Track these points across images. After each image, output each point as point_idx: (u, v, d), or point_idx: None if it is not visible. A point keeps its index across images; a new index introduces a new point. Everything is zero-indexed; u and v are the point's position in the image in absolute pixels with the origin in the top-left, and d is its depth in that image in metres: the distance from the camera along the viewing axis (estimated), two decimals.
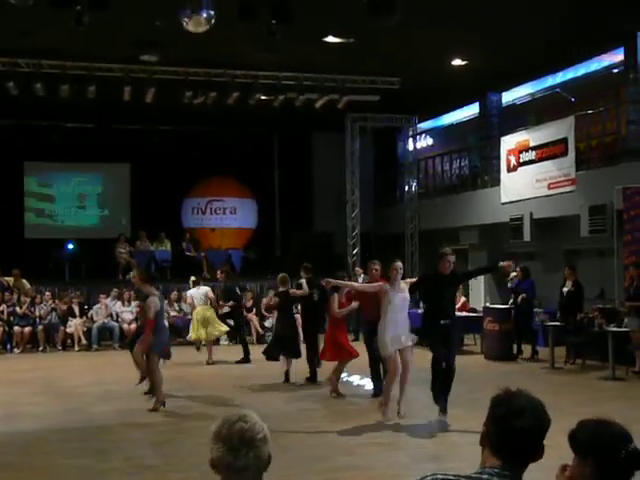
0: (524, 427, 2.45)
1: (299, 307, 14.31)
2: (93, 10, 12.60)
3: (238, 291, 17.08)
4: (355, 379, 13.17)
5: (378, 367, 11.62)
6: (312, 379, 13.05)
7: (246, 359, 15.69)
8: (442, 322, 9.75)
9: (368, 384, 12.27)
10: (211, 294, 16.20)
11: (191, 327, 16.20)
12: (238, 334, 17.10)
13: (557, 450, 2.75)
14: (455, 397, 9.85)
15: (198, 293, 16.21)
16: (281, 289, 13.61)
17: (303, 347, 13.20)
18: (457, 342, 11.49)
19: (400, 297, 9.86)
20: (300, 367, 13.02)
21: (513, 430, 2.46)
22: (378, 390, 11.39)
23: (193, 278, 17.20)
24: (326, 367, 12.57)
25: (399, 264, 10.03)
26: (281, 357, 13.11)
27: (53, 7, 12.42)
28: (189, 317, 19.23)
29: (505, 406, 2.50)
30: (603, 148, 17.31)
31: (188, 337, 16.54)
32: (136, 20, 14.15)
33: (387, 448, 8.58)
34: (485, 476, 2.44)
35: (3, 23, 14.26)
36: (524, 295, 15.89)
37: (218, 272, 17.03)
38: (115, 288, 19.27)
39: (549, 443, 2.51)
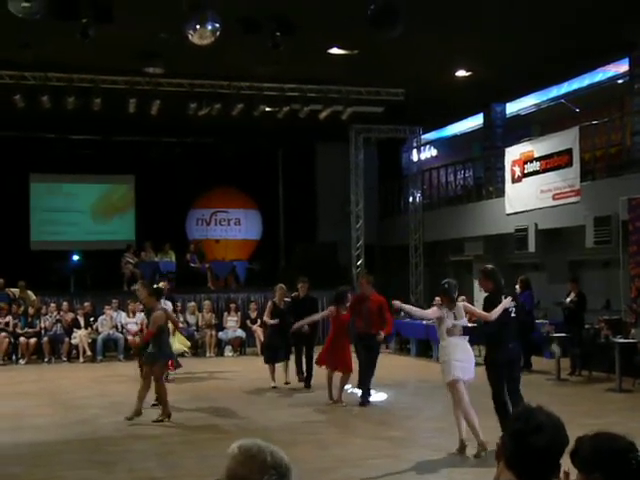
0: (540, 444, 2.42)
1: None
2: (98, 23, 12.69)
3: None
4: (349, 388, 13.24)
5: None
6: (307, 384, 13.84)
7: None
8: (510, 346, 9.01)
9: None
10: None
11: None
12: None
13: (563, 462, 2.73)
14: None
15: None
16: (274, 299, 14.36)
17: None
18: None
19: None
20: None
21: (529, 446, 2.43)
22: (365, 399, 11.89)
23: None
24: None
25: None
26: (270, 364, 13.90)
27: (59, 20, 12.49)
28: (193, 328, 19.33)
29: (523, 421, 2.48)
30: (608, 159, 17.28)
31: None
32: (141, 32, 14.21)
33: (393, 461, 8.54)
34: None
35: (10, 36, 14.31)
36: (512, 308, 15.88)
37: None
38: (114, 299, 19.16)
39: None
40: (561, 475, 2.50)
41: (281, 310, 14.19)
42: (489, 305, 9.33)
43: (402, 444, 9.20)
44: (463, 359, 8.90)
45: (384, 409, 11.71)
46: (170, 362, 11.86)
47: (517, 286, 16.04)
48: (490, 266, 9.75)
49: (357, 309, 12.22)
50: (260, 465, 2.27)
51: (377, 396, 12.45)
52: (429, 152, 25.53)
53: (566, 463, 2.57)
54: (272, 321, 14.09)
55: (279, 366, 13.90)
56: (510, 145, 19.68)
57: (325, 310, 13.78)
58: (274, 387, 13.70)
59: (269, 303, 14.64)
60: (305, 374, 13.96)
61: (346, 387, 12.60)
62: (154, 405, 11.36)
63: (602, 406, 11.66)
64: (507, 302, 9.15)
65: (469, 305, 9.51)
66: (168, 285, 16.43)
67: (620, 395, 12.73)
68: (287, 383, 13.85)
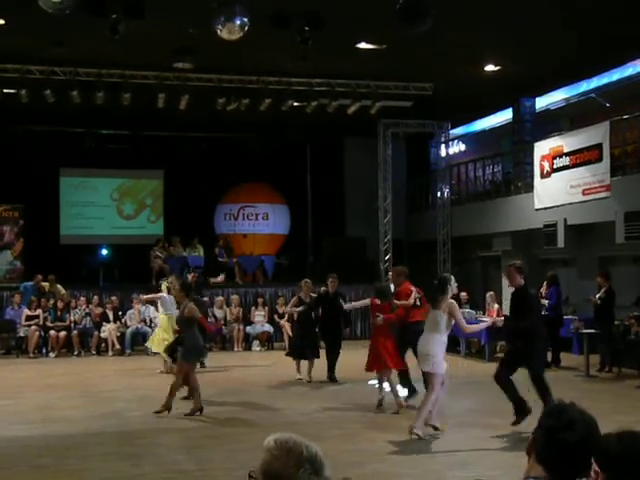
0: (570, 440, 2.42)
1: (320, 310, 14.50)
2: (128, 19, 12.77)
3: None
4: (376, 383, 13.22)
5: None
6: (332, 378, 13.82)
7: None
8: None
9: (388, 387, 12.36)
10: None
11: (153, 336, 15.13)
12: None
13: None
14: (490, 406, 9.78)
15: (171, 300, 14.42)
16: (301, 295, 14.38)
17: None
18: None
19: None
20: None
21: (560, 442, 2.43)
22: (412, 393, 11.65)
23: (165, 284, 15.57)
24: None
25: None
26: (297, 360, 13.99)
27: (89, 16, 12.58)
28: (222, 322, 19.42)
29: (555, 417, 2.48)
30: (639, 154, 17.10)
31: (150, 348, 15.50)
32: (170, 28, 14.27)
33: (419, 455, 8.55)
34: None
35: (40, 32, 14.46)
36: (546, 303, 15.91)
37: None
38: (142, 294, 19.18)
39: None
40: (592, 474, 2.48)
41: (307, 305, 14.22)
42: (517, 301, 9.41)
43: (429, 440, 9.17)
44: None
45: (413, 404, 11.68)
46: None
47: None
48: (519, 261, 9.78)
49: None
50: (296, 459, 2.27)
51: (404, 391, 12.41)
52: (457, 147, 25.39)
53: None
54: (298, 309, 14.20)
55: (305, 362, 13.95)
56: (539, 140, 19.53)
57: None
58: (299, 379, 13.81)
59: (294, 298, 14.71)
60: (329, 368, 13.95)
61: (372, 382, 12.56)
62: (185, 398, 11.44)
63: (632, 403, 11.56)
64: (490, 322, 9.59)
65: (456, 307, 9.48)
66: (195, 278, 16.56)
67: None
68: (309, 381, 13.79)
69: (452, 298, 9.57)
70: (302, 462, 2.27)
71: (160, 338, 14.43)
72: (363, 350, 12.23)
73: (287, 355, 14.52)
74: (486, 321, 11.29)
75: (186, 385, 11.31)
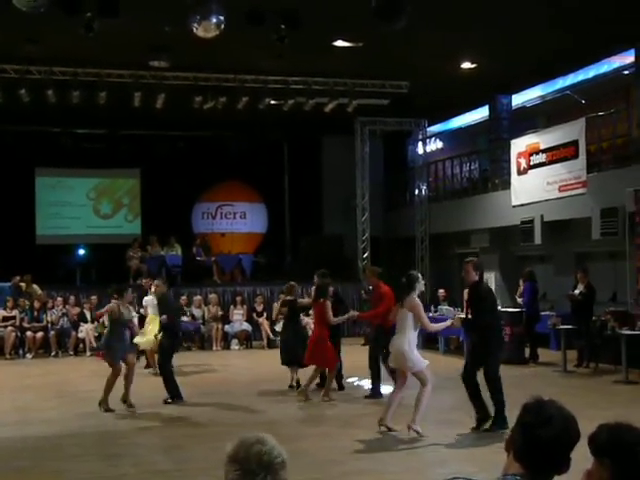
0: (549, 437, 2.43)
1: (310, 313, 14.31)
2: (103, 17, 12.67)
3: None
4: (355, 380, 13.36)
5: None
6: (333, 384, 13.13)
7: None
8: None
9: (368, 385, 12.41)
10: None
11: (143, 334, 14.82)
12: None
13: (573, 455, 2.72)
14: (469, 403, 9.79)
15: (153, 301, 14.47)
16: (289, 298, 13.50)
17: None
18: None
19: None
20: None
21: (538, 439, 2.43)
22: (376, 392, 11.85)
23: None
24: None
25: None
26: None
27: (64, 14, 12.47)
28: (200, 322, 19.36)
29: (533, 414, 2.48)
30: (614, 150, 17.23)
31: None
32: (146, 26, 14.19)
33: (398, 452, 8.57)
34: None
35: (14, 30, 14.32)
36: (520, 300, 16.23)
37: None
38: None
39: None
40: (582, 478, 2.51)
41: (299, 308, 13.60)
42: (472, 297, 9.68)
43: (410, 437, 9.19)
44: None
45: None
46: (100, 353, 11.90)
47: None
48: (476, 258, 10.04)
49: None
50: (231, 458, 2.34)
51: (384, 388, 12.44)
52: (435, 144, 25.46)
53: (574, 458, 2.57)
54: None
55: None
56: (516, 137, 19.63)
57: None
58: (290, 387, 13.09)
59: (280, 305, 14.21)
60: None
61: (351, 380, 12.59)
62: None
63: (609, 398, 11.65)
64: (448, 322, 9.81)
65: (418, 305, 9.49)
66: (150, 281, 16.18)
67: (627, 387, 12.72)
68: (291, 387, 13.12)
69: (420, 295, 9.63)
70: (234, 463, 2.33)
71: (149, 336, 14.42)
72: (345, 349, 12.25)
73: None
74: (450, 318, 11.41)
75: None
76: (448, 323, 10.30)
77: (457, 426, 9.60)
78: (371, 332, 12.70)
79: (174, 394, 11.79)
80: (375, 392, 12.00)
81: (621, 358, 13.14)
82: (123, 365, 11.47)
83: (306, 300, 13.70)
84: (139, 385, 12.06)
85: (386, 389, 11.59)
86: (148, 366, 14.95)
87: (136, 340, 14.00)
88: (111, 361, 11.46)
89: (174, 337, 12.45)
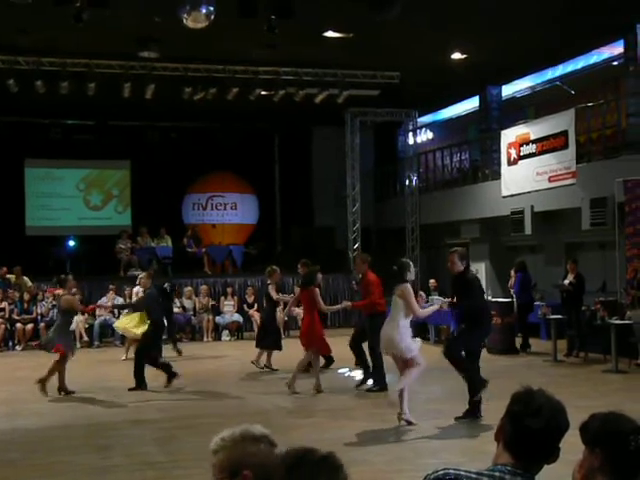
0: (538, 426, 2.43)
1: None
2: (92, 7, 12.62)
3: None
4: (346, 371, 13.40)
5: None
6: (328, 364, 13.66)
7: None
8: None
9: (359, 376, 12.45)
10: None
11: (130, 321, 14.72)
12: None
13: (562, 444, 2.74)
14: (459, 393, 9.83)
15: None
16: (269, 282, 14.05)
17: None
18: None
19: None
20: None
21: (527, 429, 2.44)
22: (381, 382, 11.72)
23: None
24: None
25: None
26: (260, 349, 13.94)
27: (53, 4, 12.41)
28: (190, 313, 19.34)
29: (522, 403, 2.49)
30: (604, 141, 17.28)
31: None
32: (135, 16, 14.13)
33: (390, 443, 8.59)
34: (497, 474, 2.42)
35: (3, 21, 14.25)
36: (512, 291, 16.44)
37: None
38: (111, 285, 19.02)
39: None
40: (574, 468, 2.52)
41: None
42: (457, 286, 9.69)
43: (400, 427, 9.21)
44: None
45: (381, 392, 11.72)
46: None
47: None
48: (461, 248, 10.08)
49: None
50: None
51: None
52: (425, 135, 25.47)
53: (563, 448, 2.58)
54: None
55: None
56: (506, 128, 19.65)
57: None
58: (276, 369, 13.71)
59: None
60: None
61: (342, 370, 12.62)
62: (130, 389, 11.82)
63: (598, 387, 11.71)
64: (437, 306, 10.06)
65: (409, 292, 9.49)
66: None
67: (616, 376, 12.78)
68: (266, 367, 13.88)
69: (413, 284, 9.65)
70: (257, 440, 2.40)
71: (131, 323, 14.40)
72: (331, 339, 12.27)
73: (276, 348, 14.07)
74: (435, 301, 11.40)
75: None
76: (436, 307, 10.31)
77: (448, 416, 9.63)
78: (361, 322, 12.65)
79: (139, 383, 11.97)
80: (379, 382, 11.80)
81: (610, 347, 13.20)
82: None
83: (286, 298, 14.63)
84: (128, 375, 12.07)
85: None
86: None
87: (115, 324, 14.89)
88: (68, 351, 11.80)
89: (159, 330, 12.50)
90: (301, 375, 11.99)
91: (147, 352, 12.13)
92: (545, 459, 2.47)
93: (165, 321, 14.07)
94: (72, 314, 12.36)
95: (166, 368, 12.15)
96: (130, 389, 11.87)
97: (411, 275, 9.59)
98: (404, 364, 9.43)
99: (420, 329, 17.86)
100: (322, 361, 13.04)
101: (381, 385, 11.70)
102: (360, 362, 12.46)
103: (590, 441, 2.47)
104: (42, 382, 11.62)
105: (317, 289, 11.97)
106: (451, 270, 9.87)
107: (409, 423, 9.09)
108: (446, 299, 10.16)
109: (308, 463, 2.23)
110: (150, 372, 12.15)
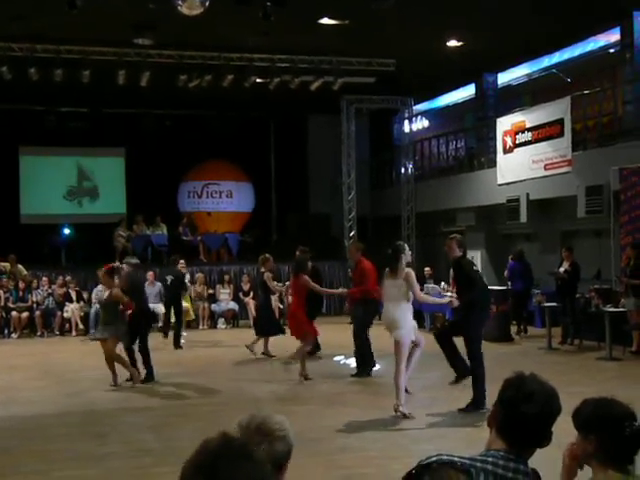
0: (531, 412, 2.43)
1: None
2: None
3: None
4: (342, 359, 13.41)
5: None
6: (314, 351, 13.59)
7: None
8: None
9: (353, 363, 12.45)
10: None
11: None
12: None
13: (555, 429, 2.75)
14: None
15: None
16: (262, 270, 13.98)
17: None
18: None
19: None
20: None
21: (520, 414, 2.44)
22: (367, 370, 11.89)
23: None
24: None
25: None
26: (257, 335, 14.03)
27: None
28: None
29: (515, 389, 2.49)
30: (599, 129, 17.27)
31: None
32: (130, 3, 14.06)
33: (384, 430, 8.61)
34: (490, 459, 2.42)
35: None
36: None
37: None
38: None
39: None
40: (564, 452, 2.53)
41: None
42: (456, 272, 9.87)
43: (395, 415, 9.23)
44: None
45: (377, 379, 11.76)
46: None
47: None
48: (459, 235, 10.12)
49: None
50: (237, 424, 2.50)
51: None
52: (421, 123, 25.41)
53: (556, 433, 2.59)
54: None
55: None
56: (502, 115, 19.63)
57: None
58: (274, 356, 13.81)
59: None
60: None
61: (337, 358, 12.63)
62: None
63: (592, 374, 11.75)
64: (446, 300, 10.13)
65: (412, 276, 9.46)
66: (178, 259, 16.77)
67: (610, 363, 12.83)
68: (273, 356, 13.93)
69: (408, 266, 9.61)
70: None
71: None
72: (327, 326, 12.28)
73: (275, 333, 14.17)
74: (447, 296, 11.42)
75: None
76: (445, 300, 10.28)
77: (443, 404, 9.66)
78: (355, 309, 12.57)
79: (149, 373, 11.87)
80: (368, 367, 11.94)
81: (605, 335, 13.25)
82: None
83: (279, 288, 14.88)
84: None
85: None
86: None
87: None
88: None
89: (142, 318, 12.24)
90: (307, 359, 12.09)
91: (132, 342, 11.98)
92: (538, 444, 2.48)
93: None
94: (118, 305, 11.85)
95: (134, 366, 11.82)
96: (141, 381, 11.69)
97: (406, 257, 9.51)
98: (397, 347, 9.40)
99: (415, 316, 17.92)
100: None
101: (371, 367, 11.94)
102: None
103: (583, 426, 2.49)
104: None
105: (306, 276, 11.95)
106: (448, 256, 9.91)
107: (404, 416, 9.05)
108: (450, 292, 10.14)
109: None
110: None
